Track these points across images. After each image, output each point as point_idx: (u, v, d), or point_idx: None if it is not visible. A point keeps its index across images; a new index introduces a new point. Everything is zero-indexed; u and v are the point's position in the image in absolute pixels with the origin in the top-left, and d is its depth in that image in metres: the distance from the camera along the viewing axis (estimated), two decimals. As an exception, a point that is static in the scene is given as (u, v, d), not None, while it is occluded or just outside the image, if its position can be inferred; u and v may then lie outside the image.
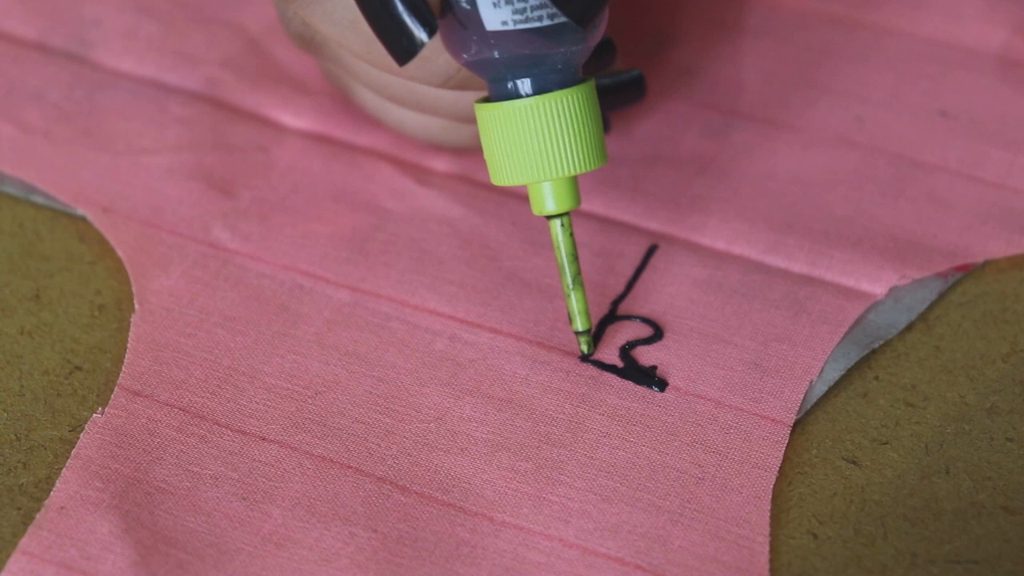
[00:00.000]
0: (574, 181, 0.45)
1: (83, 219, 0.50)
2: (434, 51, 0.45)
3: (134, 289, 0.48)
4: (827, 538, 0.43)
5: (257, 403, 0.46)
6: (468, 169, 0.52)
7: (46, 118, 0.53)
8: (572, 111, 0.44)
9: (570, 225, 0.46)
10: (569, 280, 0.46)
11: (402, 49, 0.43)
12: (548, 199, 0.45)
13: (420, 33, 0.43)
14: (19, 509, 0.43)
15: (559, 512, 0.44)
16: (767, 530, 0.43)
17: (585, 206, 0.51)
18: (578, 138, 0.44)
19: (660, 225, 0.51)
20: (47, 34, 0.56)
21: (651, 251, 0.50)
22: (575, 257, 0.46)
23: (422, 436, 0.45)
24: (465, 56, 0.44)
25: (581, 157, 0.45)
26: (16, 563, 0.42)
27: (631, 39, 0.56)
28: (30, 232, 0.50)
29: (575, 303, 0.46)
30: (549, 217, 0.46)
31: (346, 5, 0.45)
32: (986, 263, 0.50)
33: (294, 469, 0.44)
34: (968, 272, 0.50)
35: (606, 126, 0.50)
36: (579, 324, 0.47)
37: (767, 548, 0.43)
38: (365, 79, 0.49)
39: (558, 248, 0.46)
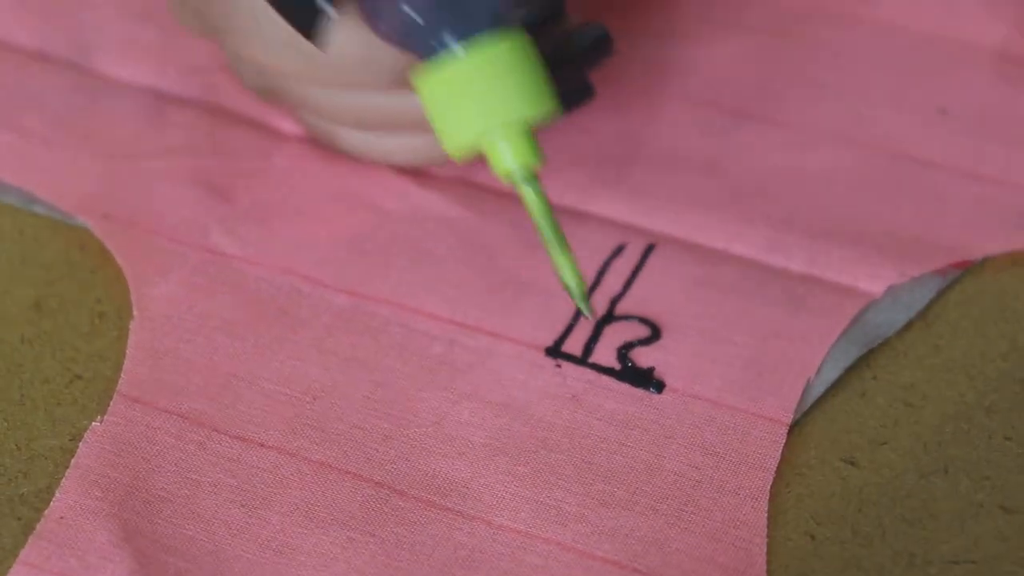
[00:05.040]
0: (529, 135, 0.43)
1: (83, 227, 0.51)
2: (372, 46, 0.46)
3: (133, 296, 0.48)
4: (825, 539, 0.43)
5: (256, 409, 0.46)
6: (467, 171, 0.52)
7: (46, 125, 0.53)
8: (503, 61, 0.42)
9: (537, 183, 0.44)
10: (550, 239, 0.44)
11: (309, 27, 0.45)
12: (505, 155, 0.43)
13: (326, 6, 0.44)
14: (19, 519, 0.43)
15: (557, 516, 0.44)
16: (765, 531, 0.43)
17: (583, 205, 0.51)
18: (518, 85, 0.42)
19: (658, 224, 0.51)
20: (47, 42, 0.56)
21: (648, 250, 0.50)
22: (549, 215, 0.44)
23: (420, 441, 0.45)
24: (382, 27, 0.44)
25: (522, 104, 0.43)
26: (16, 574, 0.42)
27: (630, 38, 0.56)
28: (30, 240, 0.50)
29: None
30: (513, 181, 0.43)
31: (275, 27, 0.46)
32: (985, 260, 0.50)
33: (292, 475, 0.45)
34: (967, 269, 0.50)
35: (590, 93, 0.49)
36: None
37: (765, 549, 0.43)
38: (331, 112, 0.49)
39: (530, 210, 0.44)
